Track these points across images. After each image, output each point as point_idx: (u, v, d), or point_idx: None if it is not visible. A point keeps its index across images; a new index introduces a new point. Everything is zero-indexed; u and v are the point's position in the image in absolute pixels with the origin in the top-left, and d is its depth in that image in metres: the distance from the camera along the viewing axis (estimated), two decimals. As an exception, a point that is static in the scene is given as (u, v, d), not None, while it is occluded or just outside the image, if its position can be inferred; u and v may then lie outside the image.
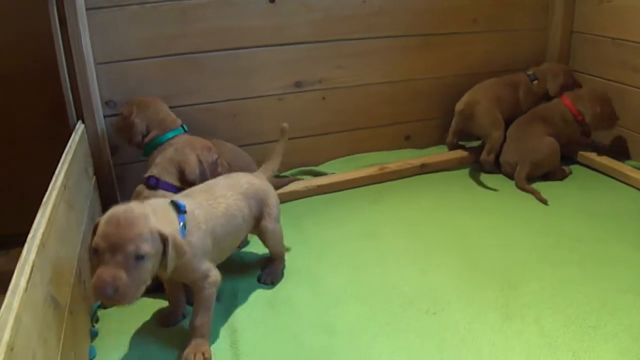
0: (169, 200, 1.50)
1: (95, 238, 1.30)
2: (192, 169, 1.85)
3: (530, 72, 2.74)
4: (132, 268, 1.28)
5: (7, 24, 2.21)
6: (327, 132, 2.65)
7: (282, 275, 1.91)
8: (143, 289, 1.32)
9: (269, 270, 1.90)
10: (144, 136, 2.08)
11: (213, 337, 1.60)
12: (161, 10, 2.20)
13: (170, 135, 2.07)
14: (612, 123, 2.58)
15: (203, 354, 1.51)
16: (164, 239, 1.35)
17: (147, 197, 1.81)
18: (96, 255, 1.29)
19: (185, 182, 1.84)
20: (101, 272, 1.26)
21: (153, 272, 1.36)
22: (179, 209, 1.48)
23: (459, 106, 2.61)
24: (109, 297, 1.25)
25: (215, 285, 1.56)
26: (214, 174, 1.92)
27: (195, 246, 1.49)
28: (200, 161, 1.88)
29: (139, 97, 2.11)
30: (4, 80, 2.25)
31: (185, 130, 2.12)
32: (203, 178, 1.84)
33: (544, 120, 2.54)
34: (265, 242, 1.87)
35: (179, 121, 2.13)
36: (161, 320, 1.69)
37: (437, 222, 2.22)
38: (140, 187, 1.87)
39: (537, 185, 2.46)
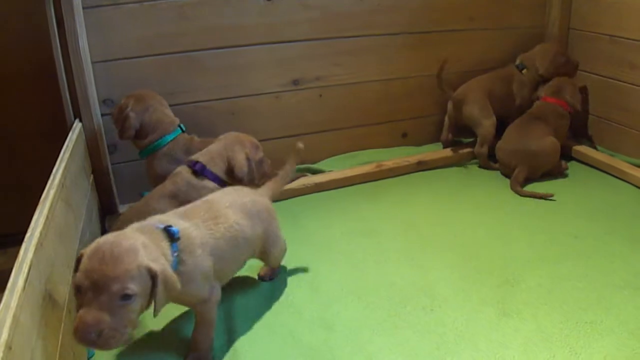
0: (162, 226, 1.38)
1: (78, 274, 1.19)
2: (241, 167, 1.91)
3: (518, 62, 2.76)
4: (117, 309, 1.17)
5: (4, 23, 2.21)
6: (324, 129, 2.66)
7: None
8: (129, 331, 1.21)
9: (270, 272, 1.90)
10: (137, 133, 2.07)
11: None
12: (158, 9, 2.20)
13: (169, 138, 2.07)
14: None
15: None
16: (153, 275, 1.23)
17: (187, 182, 1.87)
18: (79, 294, 1.19)
19: (233, 179, 1.90)
20: (83, 315, 1.15)
21: (141, 312, 1.26)
22: (172, 237, 1.36)
23: (452, 96, 2.65)
24: (92, 341, 1.15)
25: (217, 304, 1.51)
26: (260, 172, 1.98)
27: (191, 273, 1.39)
28: (248, 159, 1.93)
29: (139, 92, 2.09)
30: (2, 80, 2.25)
31: (183, 130, 2.13)
32: (251, 176, 1.93)
33: (543, 120, 2.54)
34: (268, 263, 1.85)
35: (177, 121, 2.13)
36: None
37: (434, 219, 2.23)
38: (182, 169, 1.92)
39: (535, 184, 2.47)
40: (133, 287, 1.18)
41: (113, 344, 1.18)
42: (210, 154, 1.94)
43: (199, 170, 1.90)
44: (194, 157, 1.95)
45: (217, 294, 1.52)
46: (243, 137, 2.01)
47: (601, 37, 2.64)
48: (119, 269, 1.18)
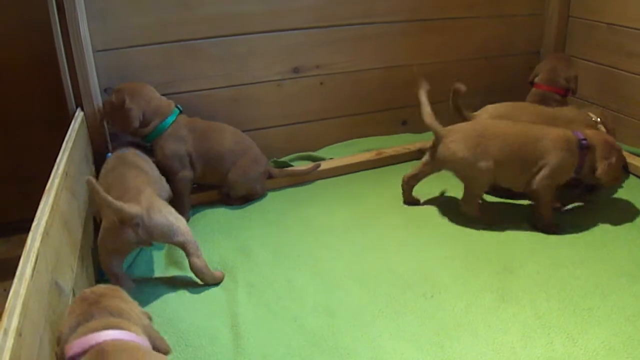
0: None
1: None
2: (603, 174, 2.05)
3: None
4: None
5: (5, 12, 2.21)
6: (325, 117, 2.66)
7: None
8: None
9: None
10: (140, 123, 2.08)
11: (214, 318, 1.63)
12: (159, -3, 2.20)
13: (171, 119, 2.11)
14: None
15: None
16: None
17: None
18: None
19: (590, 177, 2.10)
20: None
21: None
22: None
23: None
24: None
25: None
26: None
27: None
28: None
29: (129, 84, 2.10)
30: (3, 68, 2.25)
31: (180, 111, 2.16)
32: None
33: None
34: None
35: (172, 103, 2.16)
36: None
37: (434, 206, 2.24)
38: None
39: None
40: None
41: None
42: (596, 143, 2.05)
43: (582, 147, 2.03)
44: (578, 131, 2.08)
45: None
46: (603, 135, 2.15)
47: (600, 25, 2.64)
48: None
